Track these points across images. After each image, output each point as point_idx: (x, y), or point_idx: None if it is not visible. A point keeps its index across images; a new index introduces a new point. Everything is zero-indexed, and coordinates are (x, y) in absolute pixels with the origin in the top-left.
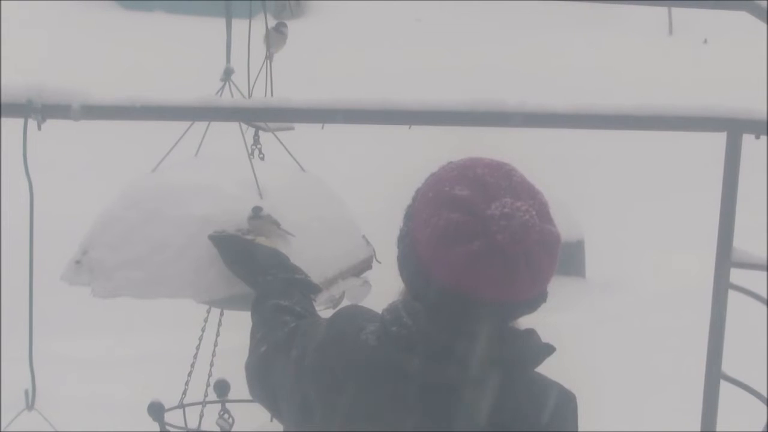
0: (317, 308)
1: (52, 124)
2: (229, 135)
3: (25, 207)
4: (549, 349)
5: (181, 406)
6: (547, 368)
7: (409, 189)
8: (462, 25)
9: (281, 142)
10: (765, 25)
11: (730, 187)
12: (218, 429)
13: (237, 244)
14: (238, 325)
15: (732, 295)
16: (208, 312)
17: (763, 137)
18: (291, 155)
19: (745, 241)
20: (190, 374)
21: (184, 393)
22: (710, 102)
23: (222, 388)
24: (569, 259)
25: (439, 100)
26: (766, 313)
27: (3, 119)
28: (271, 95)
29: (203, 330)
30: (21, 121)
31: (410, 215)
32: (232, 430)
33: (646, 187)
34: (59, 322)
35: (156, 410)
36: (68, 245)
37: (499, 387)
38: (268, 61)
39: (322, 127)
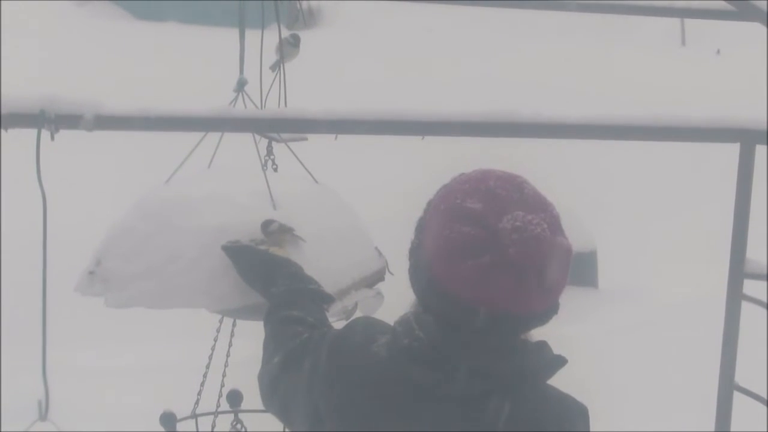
0: (330, 319)
1: (64, 135)
2: (243, 146)
3: (37, 217)
4: (561, 361)
5: (194, 416)
6: (559, 380)
7: (421, 200)
8: (474, 36)
9: (294, 153)
10: None
11: (743, 198)
12: None
13: (250, 254)
14: (251, 335)
15: (745, 306)
16: (221, 322)
17: None
18: (304, 166)
19: (758, 252)
20: (202, 384)
21: (197, 403)
22: (723, 113)
23: (235, 398)
24: (582, 269)
25: (453, 110)
26: None
27: (16, 130)
28: (285, 106)
29: (216, 340)
30: (34, 131)
31: (422, 227)
32: None
33: (658, 198)
34: (73, 333)
35: (168, 420)
36: (82, 256)
37: (510, 399)
38: (281, 72)
39: (336, 138)
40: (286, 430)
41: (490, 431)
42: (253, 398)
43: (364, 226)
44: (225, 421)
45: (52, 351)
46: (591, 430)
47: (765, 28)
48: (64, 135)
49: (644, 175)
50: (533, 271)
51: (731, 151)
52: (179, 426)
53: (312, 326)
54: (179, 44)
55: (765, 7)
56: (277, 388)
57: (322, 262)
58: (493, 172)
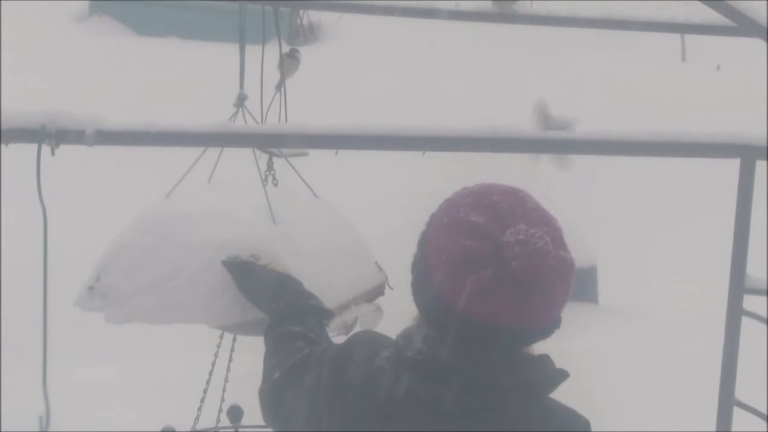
0: (330, 334)
1: (65, 149)
2: (243, 161)
3: (38, 232)
4: (563, 375)
5: (194, 431)
6: (561, 394)
7: (422, 214)
8: (476, 51)
9: (294, 168)
10: None
11: (743, 214)
12: None
13: (251, 269)
14: (252, 350)
15: (745, 321)
16: (221, 337)
17: None
18: (304, 181)
19: (759, 268)
20: (203, 399)
21: (197, 418)
22: (724, 128)
23: (235, 413)
24: (582, 284)
25: (454, 126)
26: None
27: (17, 145)
28: (285, 121)
29: (216, 355)
30: (35, 146)
31: (424, 241)
32: None
33: (659, 213)
34: (73, 348)
35: None
36: (82, 271)
37: (513, 413)
38: (282, 87)
39: (336, 153)
40: None
41: None
42: (253, 414)
43: (364, 240)
44: None
45: (53, 366)
46: None
47: (765, 44)
48: (65, 150)
49: (644, 191)
50: (536, 285)
51: (732, 166)
52: None
53: (312, 341)
54: (180, 60)
55: (765, 23)
56: (277, 404)
57: (322, 277)
58: (495, 186)
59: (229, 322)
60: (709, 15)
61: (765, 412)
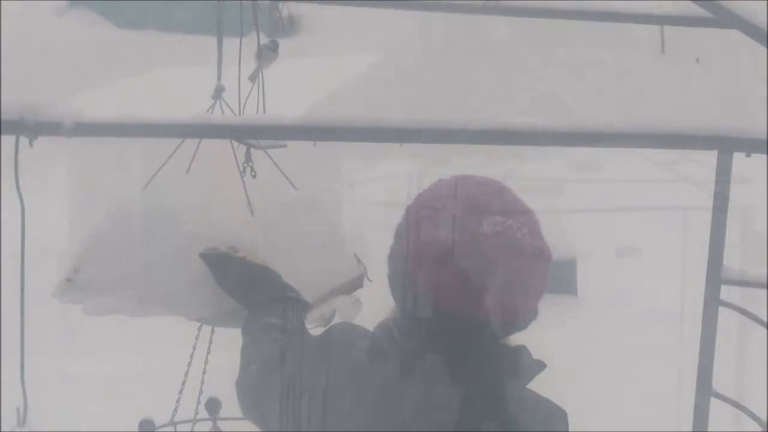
0: (308, 326)
1: (42, 141)
2: (221, 152)
3: (14, 225)
4: (540, 366)
5: (173, 423)
6: (538, 385)
7: (399, 206)
8: (459, 43)
9: (273, 160)
10: (756, 44)
11: (720, 205)
12: None
13: (228, 262)
14: (229, 343)
15: (722, 312)
16: (199, 330)
17: (754, 155)
18: (283, 173)
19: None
20: (181, 392)
21: (176, 410)
22: (701, 120)
23: (213, 405)
24: (561, 277)
25: (432, 117)
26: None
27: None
28: (263, 112)
29: (194, 348)
30: (13, 139)
31: (401, 234)
32: None
33: (639, 206)
34: (50, 341)
35: (146, 427)
36: (59, 264)
37: (490, 404)
38: (259, 78)
39: (314, 145)
40: None
41: None
42: (232, 405)
43: (343, 232)
44: (204, 429)
45: (32, 360)
46: None
47: (744, 36)
48: (42, 141)
49: (624, 183)
50: (513, 276)
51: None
52: None
53: (290, 334)
54: (158, 52)
55: (743, 15)
56: (255, 396)
57: (301, 269)
58: (472, 178)
59: (207, 314)
60: (688, 7)
61: (742, 402)
